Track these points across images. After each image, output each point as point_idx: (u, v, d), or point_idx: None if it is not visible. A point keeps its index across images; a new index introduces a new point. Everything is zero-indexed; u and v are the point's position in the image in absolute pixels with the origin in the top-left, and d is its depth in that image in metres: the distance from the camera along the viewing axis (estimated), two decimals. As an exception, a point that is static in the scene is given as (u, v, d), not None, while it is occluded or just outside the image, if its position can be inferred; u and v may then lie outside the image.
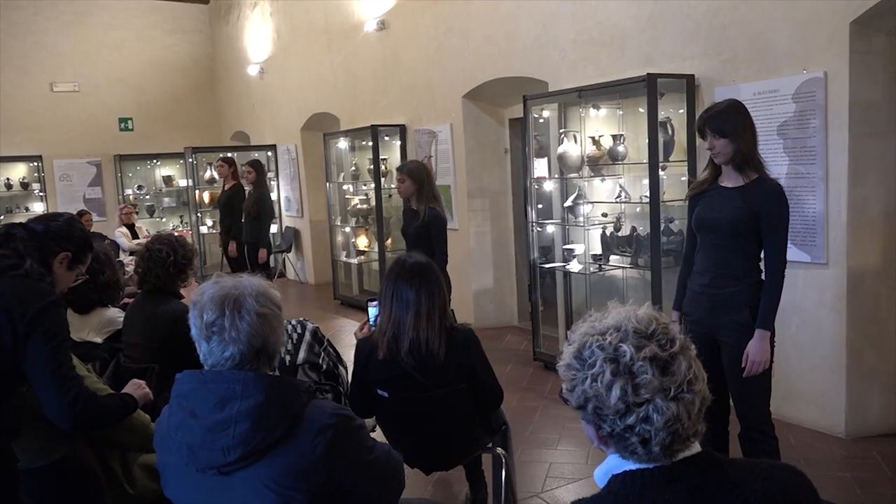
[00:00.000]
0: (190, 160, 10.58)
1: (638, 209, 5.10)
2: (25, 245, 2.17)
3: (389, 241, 7.98)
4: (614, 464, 1.24)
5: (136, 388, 2.42)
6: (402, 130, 7.82)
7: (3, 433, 2.11)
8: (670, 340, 1.19)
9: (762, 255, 2.97)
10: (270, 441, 1.54)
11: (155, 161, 12.07)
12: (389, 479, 1.80)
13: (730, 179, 2.99)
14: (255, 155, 9.80)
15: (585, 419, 1.23)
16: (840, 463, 3.77)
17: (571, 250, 5.57)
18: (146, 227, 10.42)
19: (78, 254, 2.32)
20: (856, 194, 3.91)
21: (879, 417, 4.07)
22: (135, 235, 9.17)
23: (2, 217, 10.37)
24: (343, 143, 8.78)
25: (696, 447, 1.23)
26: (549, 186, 5.78)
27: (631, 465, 1.22)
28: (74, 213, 8.82)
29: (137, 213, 10.34)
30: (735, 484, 1.19)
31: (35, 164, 11.00)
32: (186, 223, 11.73)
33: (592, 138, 5.22)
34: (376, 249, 8.05)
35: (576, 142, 5.38)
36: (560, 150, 5.44)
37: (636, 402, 1.16)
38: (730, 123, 2.89)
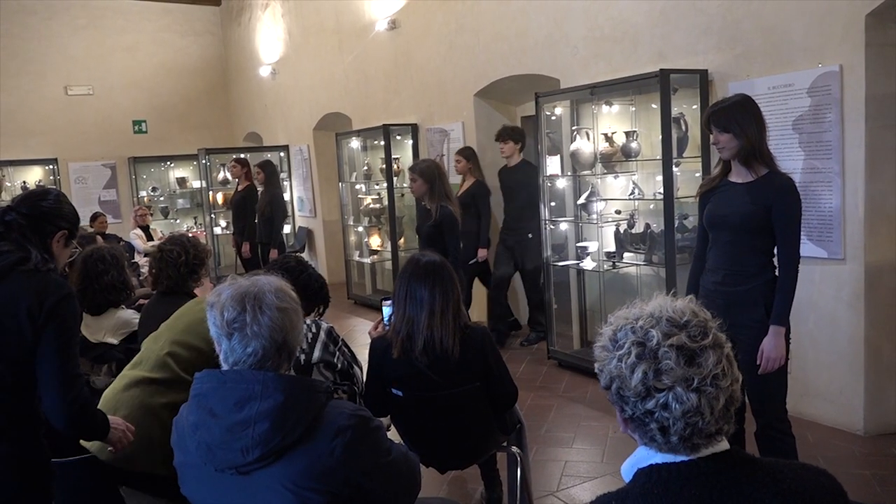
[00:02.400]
0: (203, 162, 10.64)
1: (652, 206, 5.07)
2: (24, 232, 2.15)
3: (402, 240, 7.99)
4: (640, 457, 1.25)
5: (118, 427, 2.25)
6: (413, 129, 7.82)
7: (34, 426, 2.13)
8: (703, 333, 1.20)
9: (775, 252, 2.94)
10: (289, 441, 1.55)
11: (169, 163, 12.15)
12: (406, 480, 1.80)
13: (739, 175, 2.97)
14: (268, 156, 9.83)
15: (611, 400, 1.25)
16: (858, 460, 3.73)
17: (585, 248, 5.54)
18: (160, 228, 10.48)
19: (72, 229, 2.31)
20: (873, 189, 3.87)
21: (899, 414, 4.03)
22: (149, 237, 9.24)
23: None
24: (355, 143, 8.80)
25: (724, 444, 1.22)
26: (562, 184, 5.76)
27: (657, 459, 1.22)
28: (90, 215, 8.91)
29: (152, 214, 10.40)
30: (762, 483, 1.18)
31: (50, 167, 11.09)
32: (200, 224, 11.80)
33: (605, 135, 5.20)
34: (389, 249, 8.06)
35: (588, 139, 5.36)
36: (573, 147, 5.42)
37: (657, 387, 1.17)
38: (733, 118, 2.87)
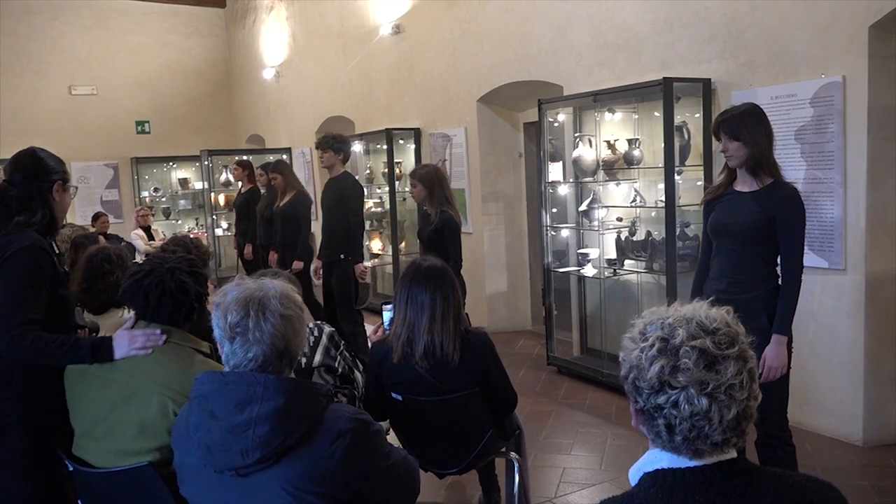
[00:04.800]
0: (206, 163, 10.65)
1: (653, 213, 5.08)
2: (26, 200, 2.39)
3: (403, 244, 7.99)
4: (647, 461, 1.25)
5: (128, 340, 2.19)
6: (416, 134, 7.84)
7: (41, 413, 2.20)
8: (729, 343, 1.20)
9: (779, 261, 2.94)
10: (289, 444, 1.55)
11: (171, 164, 12.16)
12: (405, 485, 1.81)
13: (745, 184, 2.98)
14: (271, 158, 9.83)
15: (626, 390, 1.26)
16: (858, 471, 3.73)
17: (586, 255, 5.55)
18: (162, 229, 10.48)
19: (63, 174, 2.52)
20: (875, 199, 3.87)
21: (898, 425, 4.03)
22: (151, 238, 9.24)
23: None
24: (358, 147, 8.79)
25: (731, 454, 1.22)
26: (564, 190, 5.77)
27: (663, 464, 1.22)
28: (92, 215, 8.90)
29: (153, 215, 10.40)
30: (767, 493, 1.19)
31: (53, 166, 11.09)
32: (202, 225, 11.81)
33: (608, 142, 5.21)
34: (390, 252, 8.06)
35: (591, 146, 5.36)
36: (575, 153, 5.43)
37: (671, 383, 1.17)
38: (744, 127, 2.88)
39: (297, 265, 5.92)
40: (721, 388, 1.17)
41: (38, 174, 2.47)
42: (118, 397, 2.09)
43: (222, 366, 2.13)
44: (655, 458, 1.24)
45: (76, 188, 2.70)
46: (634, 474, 1.27)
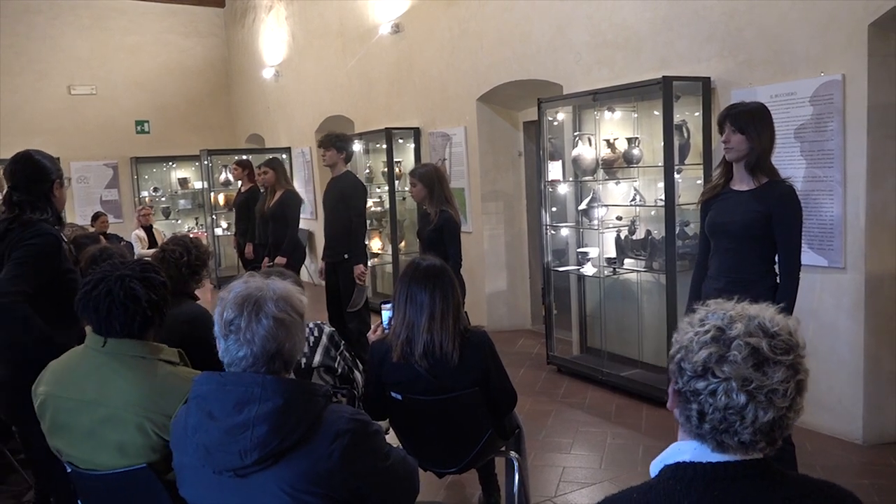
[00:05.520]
0: (205, 163, 10.64)
1: (653, 212, 5.08)
2: (34, 202, 2.76)
3: (403, 243, 7.99)
4: (670, 454, 1.25)
5: None
6: (416, 133, 7.83)
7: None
8: (785, 350, 1.19)
9: (777, 259, 2.94)
10: (287, 445, 1.55)
11: (171, 163, 12.16)
12: (404, 485, 1.80)
13: (742, 182, 2.98)
14: (269, 157, 9.81)
15: (670, 369, 1.26)
16: (858, 470, 3.73)
17: (586, 254, 5.55)
18: (163, 229, 10.45)
19: (59, 172, 2.90)
20: (874, 197, 3.87)
21: (898, 424, 4.03)
22: (152, 237, 9.19)
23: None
24: (357, 146, 8.79)
25: (757, 455, 1.21)
26: (564, 189, 5.77)
27: (685, 458, 1.22)
28: (92, 215, 8.87)
29: (153, 214, 10.39)
30: (787, 496, 1.18)
31: (53, 166, 11.08)
32: (202, 225, 11.81)
33: (607, 141, 5.20)
34: (390, 252, 8.06)
35: (590, 144, 5.36)
36: (574, 152, 5.43)
37: (714, 372, 1.17)
38: (752, 123, 2.89)
39: (281, 260, 5.91)
40: (763, 389, 1.16)
41: (39, 177, 2.79)
42: (93, 421, 2.02)
43: (193, 371, 2.12)
44: (678, 451, 1.24)
45: (70, 179, 3.00)
46: (656, 466, 1.26)
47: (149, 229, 9.35)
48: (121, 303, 2.07)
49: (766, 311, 1.23)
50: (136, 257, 8.29)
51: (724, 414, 1.16)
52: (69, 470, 2.10)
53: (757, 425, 1.16)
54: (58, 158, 2.99)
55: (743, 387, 1.15)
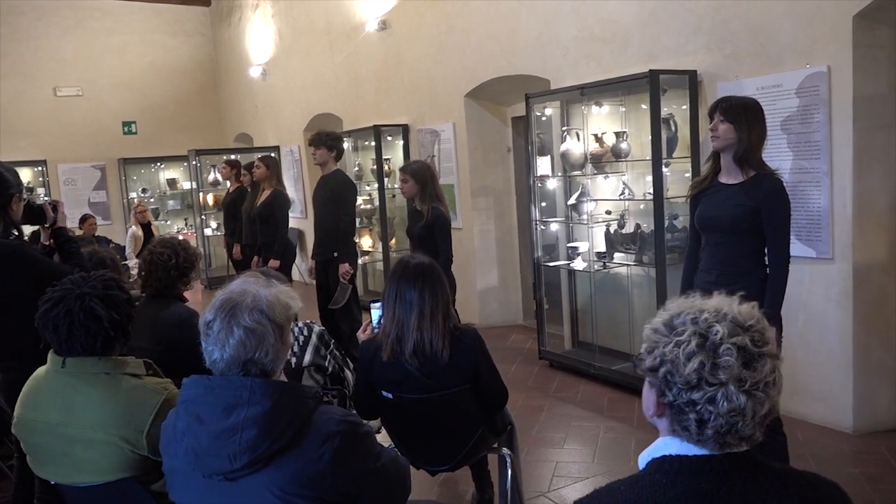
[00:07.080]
0: (194, 163, 10.59)
1: (642, 206, 5.09)
2: None
3: (393, 241, 7.98)
4: (656, 447, 1.25)
5: None
6: (404, 130, 7.82)
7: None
8: (764, 341, 1.20)
9: (766, 251, 2.95)
10: (277, 448, 1.54)
11: (159, 164, 12.10)
12: (396, 486, 1.80)
13: (730, 175, 2.99)
14: (258, 156, 9.77)
15: (651, 383, 1.24)
16: (848, 459, 3.75)
17: (575, 248, 5.55)
18: (160, 227, 10.34)
19: (20, 187, 2.87)
20: (861, 188, 3.89)
21: (887, 412, 4.05)
22: (150, 234, 9.07)
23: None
24: (346, 144, 8.77)
25: (742, 447, 1.23)
26: (553, 184, 5.77)
27: (672, 451, 1.22)
28: (79, 217, 8.79)
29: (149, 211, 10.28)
30: (771, 487, 1.20)
31: (39, 168, 11.01)
32: (191, 225, 11.76)
33: (595, 135, 5.21)
34: (380, 249, 8.05)
35: (578, 139, 5.36)
36: (563, 147, 5.43)
37: (710, 380, 1.17)
38: (743, 113, 2.91)
39: (273, 263, 5.88)
40: (758, 385, 1.17)
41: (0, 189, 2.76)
42: (63, 443, 1.98)
43: (162, 380, 2.11)
44: (664, 445, 1.24)
45: (27, 196, 3.05)
46: (643, 459, 1.27)
47: (147, 227, 9.24)
48: (81, 324, 1.99)
49: (731, 305, 1.23)
50: (127, 260, 8.28)
51: (727, 418, 1.17)
52: (52, 482, 2.08)
53: (756, 419, 1.18)
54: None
55: (740, 387, 1.16)
